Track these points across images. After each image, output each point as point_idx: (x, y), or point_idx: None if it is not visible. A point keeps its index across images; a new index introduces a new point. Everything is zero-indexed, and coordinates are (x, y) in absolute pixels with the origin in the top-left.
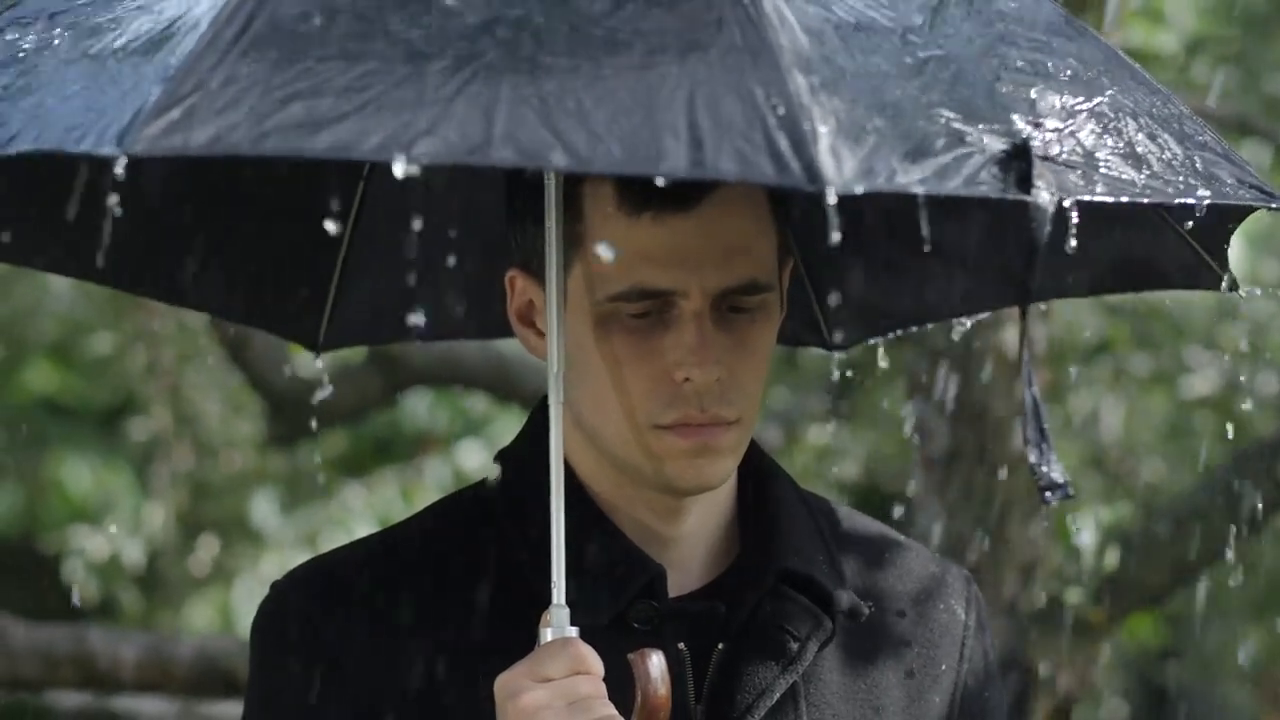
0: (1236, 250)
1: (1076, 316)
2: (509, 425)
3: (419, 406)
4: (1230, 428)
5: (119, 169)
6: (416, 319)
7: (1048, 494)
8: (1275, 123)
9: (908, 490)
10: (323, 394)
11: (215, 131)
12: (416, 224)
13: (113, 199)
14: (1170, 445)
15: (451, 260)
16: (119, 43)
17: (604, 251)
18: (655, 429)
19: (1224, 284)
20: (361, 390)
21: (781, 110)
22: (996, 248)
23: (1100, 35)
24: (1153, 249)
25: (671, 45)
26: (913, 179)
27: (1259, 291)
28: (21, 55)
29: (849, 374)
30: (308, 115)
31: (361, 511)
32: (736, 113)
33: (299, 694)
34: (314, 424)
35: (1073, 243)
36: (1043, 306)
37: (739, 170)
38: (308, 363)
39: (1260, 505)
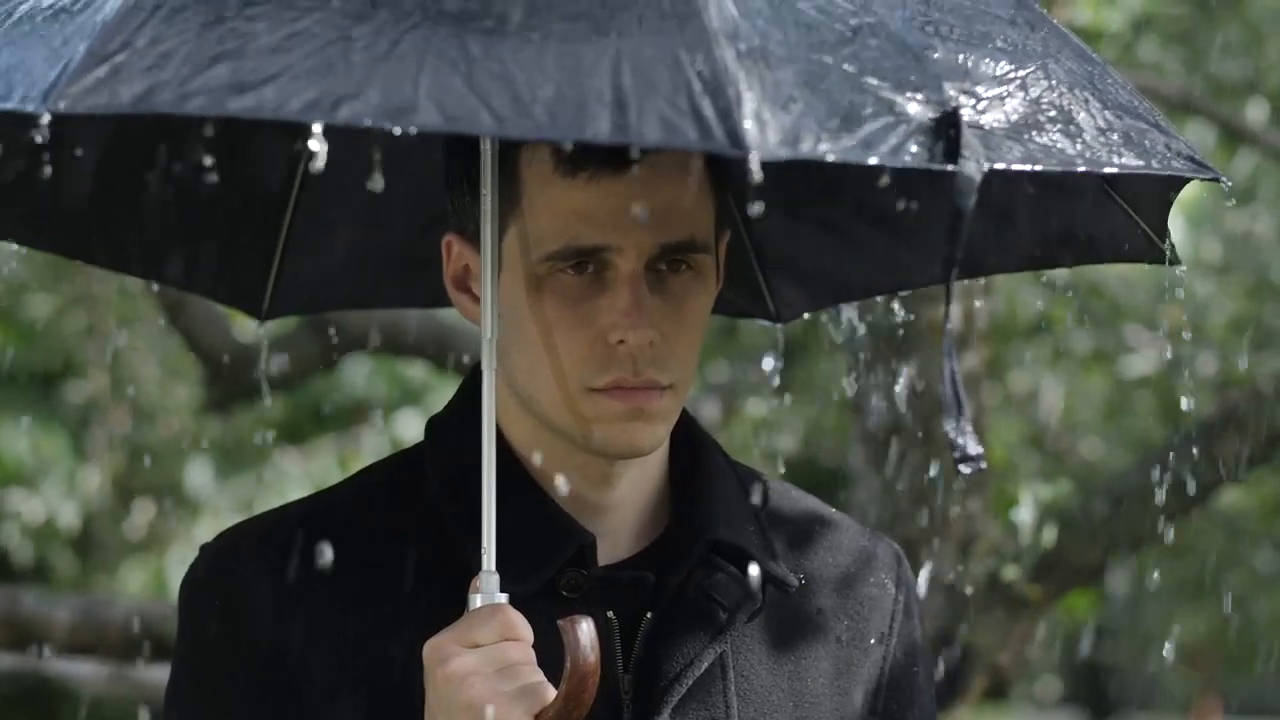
0: (1178, 230)
1: (1017, 294)
2: (446, 394)
3: (357, 375)
4: (1169, 406)
5: (43, 125)
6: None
7: (962, 465)
8: (1221, 103)
9: (846, 465)
10: (265, 358)
11: (141, 90)
12: (361, 194)
13: (49, 161)
14: (1109, 424)
15: (395, 230)
16: (45, 2)
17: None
18: (588, 392)
19: (1166, 256)
20: (301, 356)
21: (707, 76)
22: (941, 219)
23: (1037, 6)
24: (1094, 222)
25: (599, 11)
26: (838, 147)
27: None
28: None
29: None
30: (234, 75)
31: (298, 478)
32: (663, 79)
33: (227, 656)
34: (261, 388)
35: (1017, 216)
36: (982, 282)
37: (663, 136)
38: (247, 328)
39: (1198, 485)
